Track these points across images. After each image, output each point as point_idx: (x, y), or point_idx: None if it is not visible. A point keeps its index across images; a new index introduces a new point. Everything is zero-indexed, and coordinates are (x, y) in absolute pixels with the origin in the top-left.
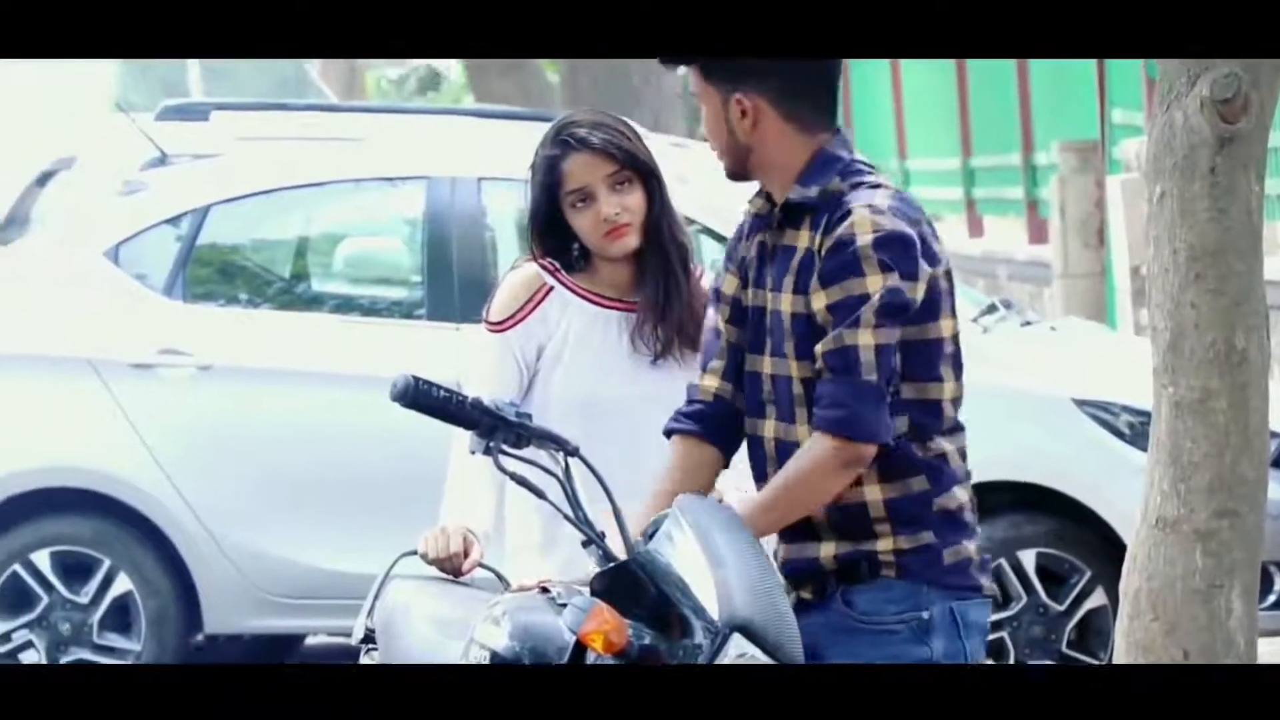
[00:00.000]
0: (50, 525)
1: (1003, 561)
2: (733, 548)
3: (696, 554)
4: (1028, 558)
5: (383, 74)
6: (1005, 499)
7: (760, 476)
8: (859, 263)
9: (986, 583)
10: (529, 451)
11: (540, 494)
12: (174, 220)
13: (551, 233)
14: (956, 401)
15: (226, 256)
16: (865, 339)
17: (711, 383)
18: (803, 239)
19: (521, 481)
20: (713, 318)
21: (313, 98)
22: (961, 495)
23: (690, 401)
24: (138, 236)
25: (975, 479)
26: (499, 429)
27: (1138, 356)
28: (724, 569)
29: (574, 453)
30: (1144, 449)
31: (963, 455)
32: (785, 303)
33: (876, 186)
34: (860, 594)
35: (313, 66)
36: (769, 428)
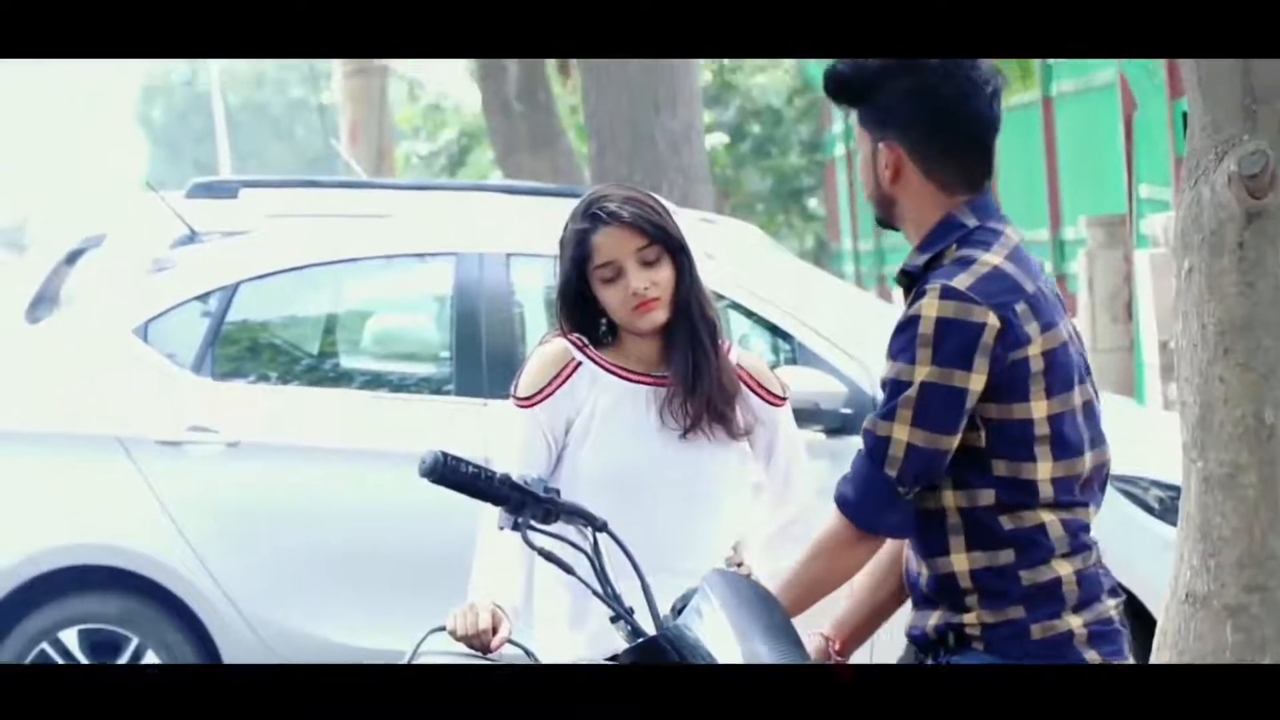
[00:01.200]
0: (78, 603)
1: None
2: (761, 622)
3: (725, 629)
4: None
5: (412, 150)
6: None
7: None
8: (914, 346)
9: (1095, 656)
10: (557, 526)
11: (569, 569)
12: (203, 298)
13: (580, 307)
14: (1064, 480)
15: (255, 333)
16: (899, 434)
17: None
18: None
19: (550, 557)
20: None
21: (341, 174)
22: (1063, 568)
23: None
24: (167, 314)
25: None
26: (527, 505)
27: (1166, 431)
28: (752, 643)
29: (602, 528)
30: (1173, 524)
31: (1075, 527)
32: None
33: (970, 262)
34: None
35: (341, 143)
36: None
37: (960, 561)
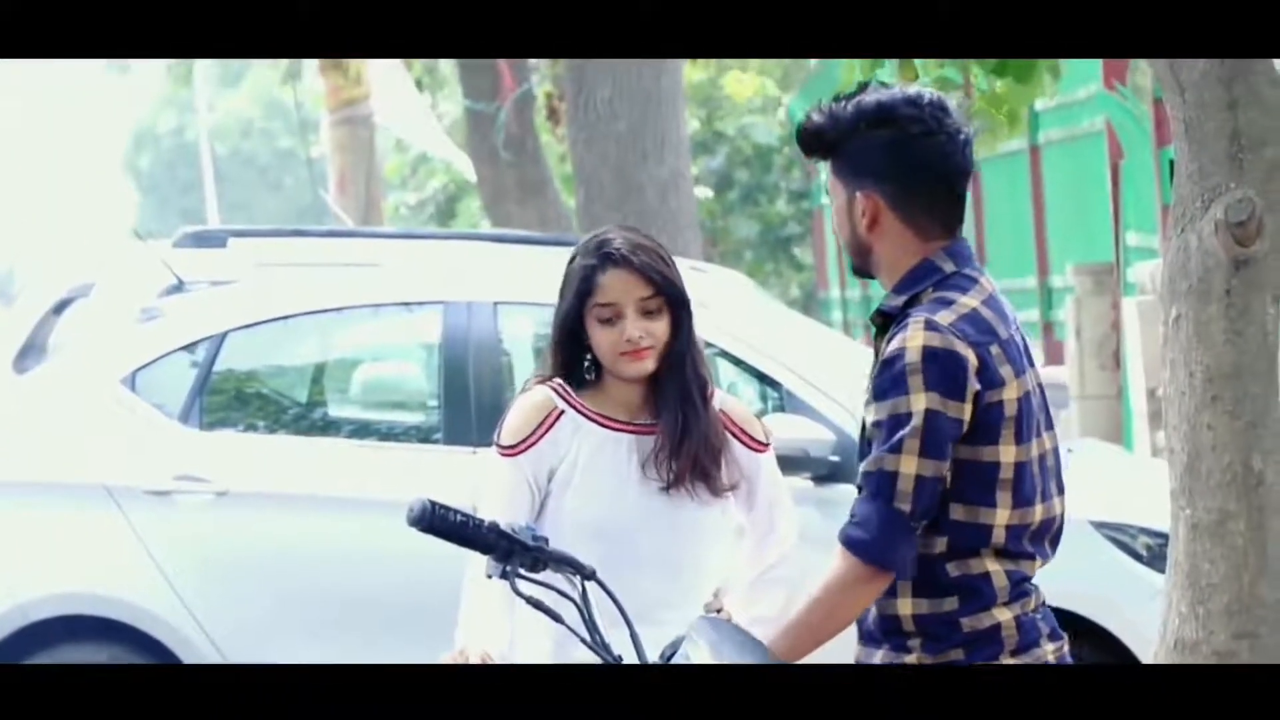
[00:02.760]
0: (67, 652)
1: None
2: (747, 664)
3: None
4: None
5: (401, 200)
6: None
7: None
8: (905, 379)
9: None
10: (546, 575)
11: (558, 618)
12: (191, 347)
13: (570, 342)
14: (1016, 529)
15: (243, 383)
16: (908, 467)
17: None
18: (883, 349)
19: (538, 606)
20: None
21: (329, 224)
22: (1003, 614)
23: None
24: (155, 363)
25: None
26: (515, 553)
27: (1155, 478)
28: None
29: (591, 576)
30: (1162, 571)
31: (1018, 578)
32: (866, 413)
33: (950, 303)
34: None
35: (329, 193)
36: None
37: (905, 605)
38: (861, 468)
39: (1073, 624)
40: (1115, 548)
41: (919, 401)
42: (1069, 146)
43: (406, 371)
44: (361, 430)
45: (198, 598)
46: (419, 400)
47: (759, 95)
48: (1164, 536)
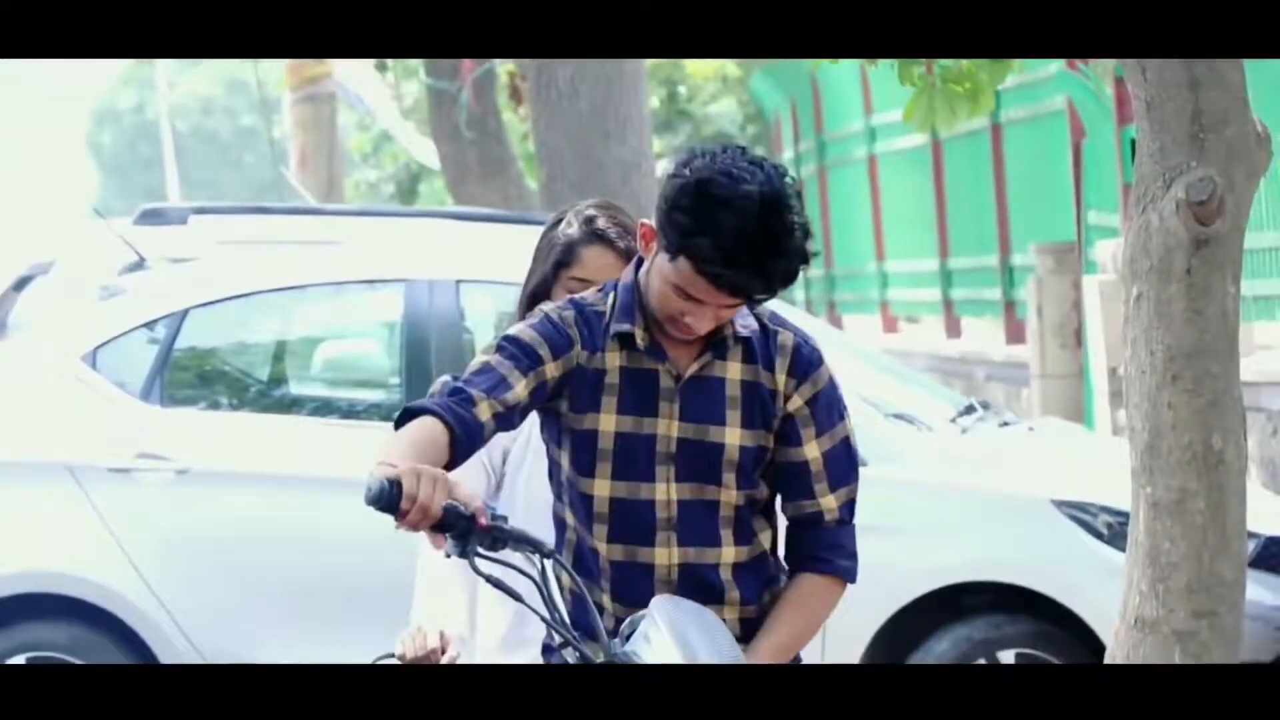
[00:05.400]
0: (27, 631)
1: (982, 662)
2: (707, 646)
3: (673, 653)
4: (1007, 658)
5: (363, 178)
6: (984, 600)
7: (629, 599)
8: (839, 406)
9: None
10: (505, 553)
11: (517, 596)
12: (152, 324)
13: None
14: None
15: (204, 360)
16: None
17: (487, 411)
18: (736, 370)
19: (498, 584)
20: (506, 366)
21: (291, 201)
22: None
23: (459, 399)
24: (116, 341)
25: (955, 580)
26: (474, 532)
27: (1116, 457)
28: (699, 663)
29: (550, 554)
30: (1123, 549)
31: None
32: (731, 436)
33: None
34: None
35: (291, 170)
36: (665, 554)
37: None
38: (832, 501)
39: (1034, 602)
40: (1076, 526)
41: (849, 424)
42: (1031, 125)
43: (368, 349)
44: (323, 408)
45: (159, 575)
46: (381, 378)
47: (720, 76)
48: (1124, 515)
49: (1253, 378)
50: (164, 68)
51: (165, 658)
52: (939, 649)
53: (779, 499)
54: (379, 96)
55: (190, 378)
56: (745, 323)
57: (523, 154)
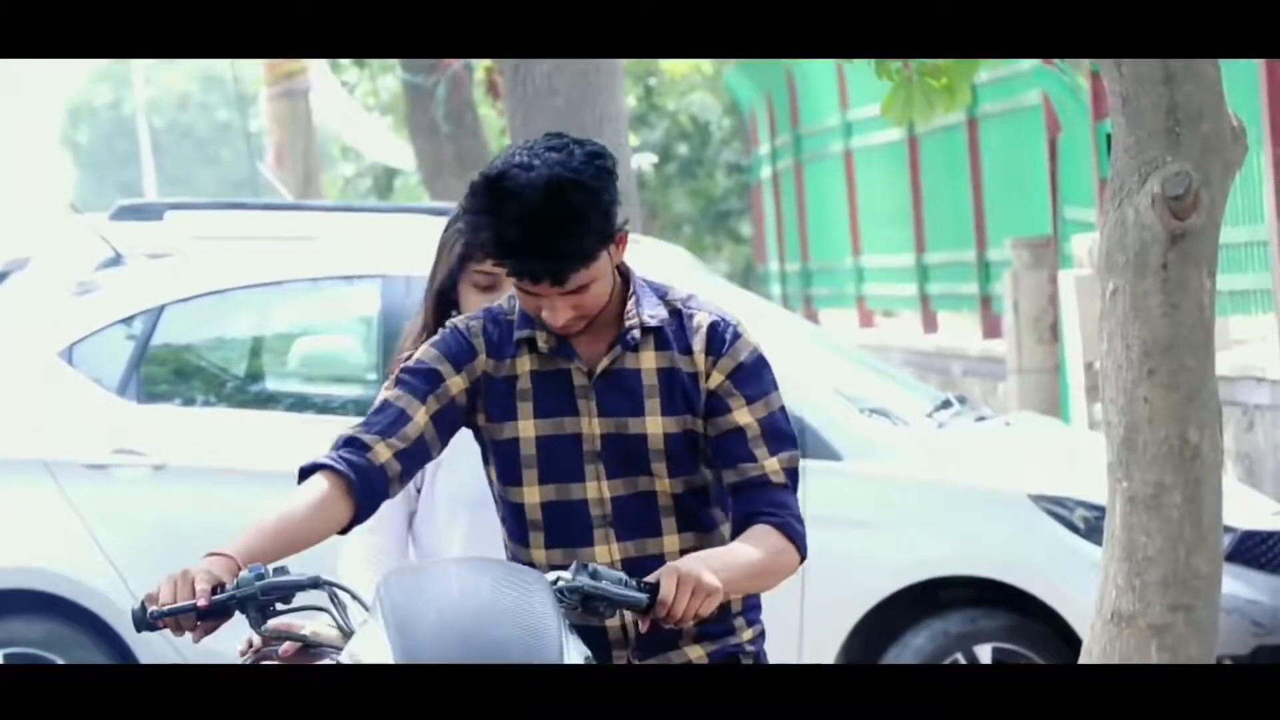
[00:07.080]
0: (3, 628)
1: (959, 656)
2: (450, 633)
3: (384, 649)
4: (984, 653)
5: (338, 173)
6: (961, 594)
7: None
8: (767, 378)
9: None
10: (300, 599)
11: (303, 639)
12: (128, 320)
13: (442, 303)
14: None
15: (180, 356)
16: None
17: (385, 452)
18: (650, 359)
19: (292, 638)
20: (404, 398)
21: (268, 197)
22: None
23: (353, 448)
24: (92, 336)
25: (931, 574)
26: (249, 604)
27: (1092, 451)
28: (415, 637)
29: (316, 582)
30: (1099, 544)
31: None
32: (653, 425)
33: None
34: None
35: (267, 166)
36: (606, 552)
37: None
38: (775, 464)
39: (1011, 596)
40: (1053, 520)
41: (780, 393)
42: (1006, 120)
43: (345, 345)
44: (300, 404)
45: (134, 571)
46: (358, 374)
47: (695, 71)
48: (1101, 509)
49: (1228, 372)
50: (140, 64)
51: (142, 654)
52: (916, 643)
53: (724, 476)
54: (340, 101)
55: (167, 373)
56: (654, 312)
57: (499, 148)
